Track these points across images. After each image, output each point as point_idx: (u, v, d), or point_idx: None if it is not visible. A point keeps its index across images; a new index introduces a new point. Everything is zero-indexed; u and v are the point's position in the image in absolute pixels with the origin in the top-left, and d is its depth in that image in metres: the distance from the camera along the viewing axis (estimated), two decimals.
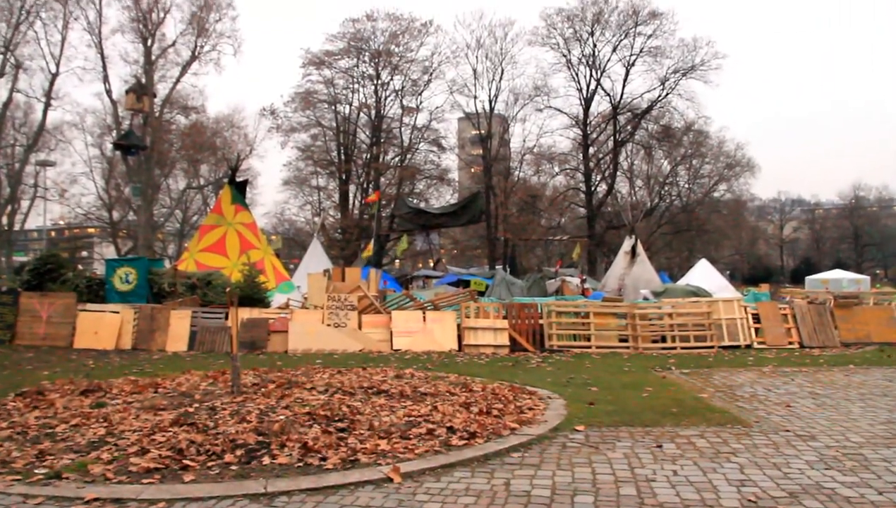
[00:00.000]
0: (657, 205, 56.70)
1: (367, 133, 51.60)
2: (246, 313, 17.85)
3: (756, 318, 18.67)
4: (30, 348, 17.26)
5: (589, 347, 17.67)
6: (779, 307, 19.47)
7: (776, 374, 12.87)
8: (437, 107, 52.45)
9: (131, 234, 54.52)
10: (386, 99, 50.95)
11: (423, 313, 18.63)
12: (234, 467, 6.16)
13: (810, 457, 6.73)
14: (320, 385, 10.01)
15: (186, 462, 6.22)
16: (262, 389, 9.58)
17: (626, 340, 18.00)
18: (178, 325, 17.95)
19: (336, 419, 7.69)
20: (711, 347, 17.60)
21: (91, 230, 75.02)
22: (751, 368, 13.81)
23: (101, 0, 45.76)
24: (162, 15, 46.22)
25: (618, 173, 54.59)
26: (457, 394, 9.62)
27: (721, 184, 59.51)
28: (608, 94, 53.72)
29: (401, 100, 51.29)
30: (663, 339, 18.00)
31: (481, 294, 26.81)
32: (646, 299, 22.12)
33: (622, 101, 53.19)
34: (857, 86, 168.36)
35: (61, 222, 69.82)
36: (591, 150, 53.91)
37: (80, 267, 28.45)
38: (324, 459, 6.35)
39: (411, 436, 7.13)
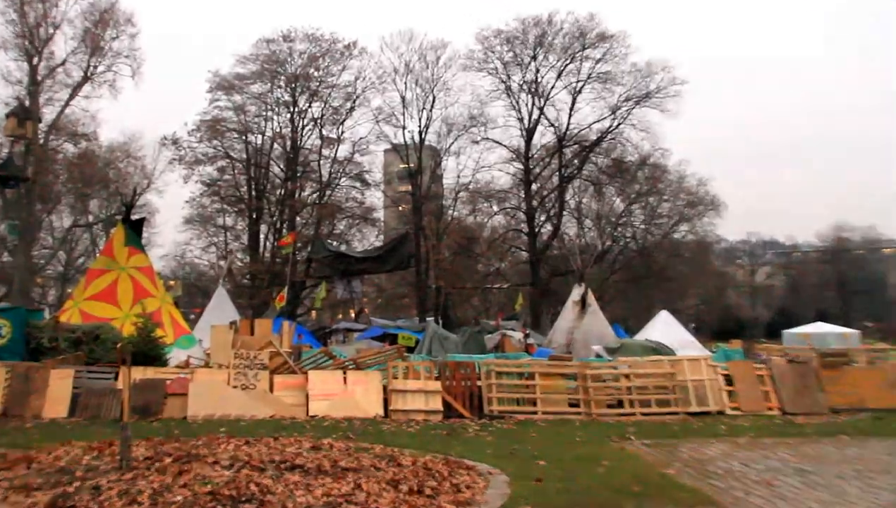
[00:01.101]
0: (609, 248, 57.13)
1: (282, 166, 51.55)
2: (139, 373, 17.50)
3: (728, 380, 18.77)
4: None
5: (535, 413, 17.59)
6: (754, 366, 19.58)
7: (754, 446, 12.93)
8: (360, 138, 52.64)
9: (5, 279, 53.27)
10: (303, 128, 51.11)
11: (344, 373, 18.46)
12: None
13: None
14: (225, 458, 9.77)
15: None
16: (157, 464, 9.30)
17: (577, 405, 17.95)
18: (59, 387, 17.44)
19: (243, 499, 7.51)
20: (677, 413, 17.66)
21: None
22: (724, 439, 13.87)
23: None
24: (51, 31, 45.54)
25: (564, 212, 55.06)
26: (383, 469, 9.49)
27: (682, 225, 59.63)
28: (553, 125, 54.35)
29: (320, 130, 51.45)
30: (620, 404, 17.98)
31: (410, 350, 26.75)
32: (599, 356, 22.23)
33: (568, 132, 53.78)
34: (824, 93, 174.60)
35: None
36: (535, 187, 54.38)
37: None
38: None
39: None
